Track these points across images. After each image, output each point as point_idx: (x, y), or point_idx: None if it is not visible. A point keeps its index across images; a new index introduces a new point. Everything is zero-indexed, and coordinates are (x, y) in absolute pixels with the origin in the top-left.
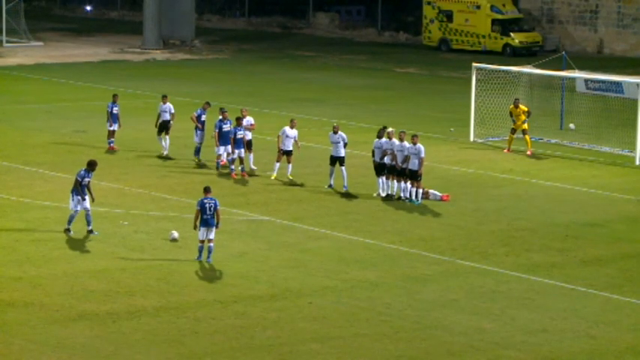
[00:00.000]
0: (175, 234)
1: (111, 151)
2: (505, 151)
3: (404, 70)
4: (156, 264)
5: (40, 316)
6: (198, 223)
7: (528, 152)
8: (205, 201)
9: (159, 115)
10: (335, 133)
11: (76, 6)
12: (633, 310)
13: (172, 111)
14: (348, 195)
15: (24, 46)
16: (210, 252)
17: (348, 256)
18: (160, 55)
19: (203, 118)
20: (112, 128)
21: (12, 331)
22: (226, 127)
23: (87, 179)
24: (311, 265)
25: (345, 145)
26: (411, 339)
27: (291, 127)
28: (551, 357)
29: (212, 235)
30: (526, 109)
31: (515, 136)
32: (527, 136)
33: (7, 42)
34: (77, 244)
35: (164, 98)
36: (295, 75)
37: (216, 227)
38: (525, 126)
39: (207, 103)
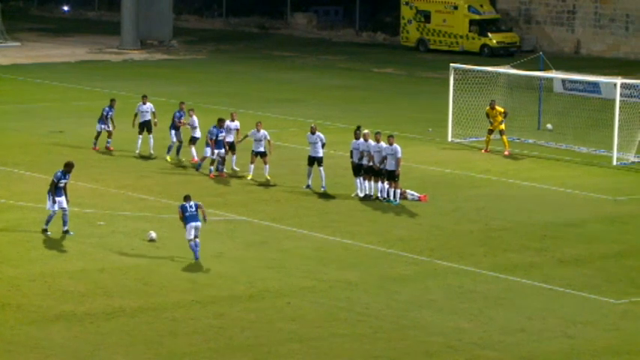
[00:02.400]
0: (153, 234)
1: (97, 151)
2: (483, 151)
3: (382, 71)
4: (134, 264)
5: (18, 317)
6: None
7: (506, 152)
8: (185, 204)
9: (136, 115)
10: (313, 133)
11: (53, 6)
12: (610, 309)
13: (153, 110)
14: (326, 195)
15: (1, 46)
16: (196, 246)
17: (326, 256)
18: (137, 55)
19: (183, 119)
20: (105, 128)
21: None
22: (221, 137)
23: (63, 181)
24: (289, 266)
25: (323, 145)
26: (390, 339)
27: (258, 130)
28: (528, 357)
29: (199, 232)
30: (502, 110)
31: (492, 136)
32: (504, 137)
33: None
34: (55, 245)
35: (144, 98)
36: (273, 75)
37: (204, 221)
38: (502, 127)
39: (183, 103)
